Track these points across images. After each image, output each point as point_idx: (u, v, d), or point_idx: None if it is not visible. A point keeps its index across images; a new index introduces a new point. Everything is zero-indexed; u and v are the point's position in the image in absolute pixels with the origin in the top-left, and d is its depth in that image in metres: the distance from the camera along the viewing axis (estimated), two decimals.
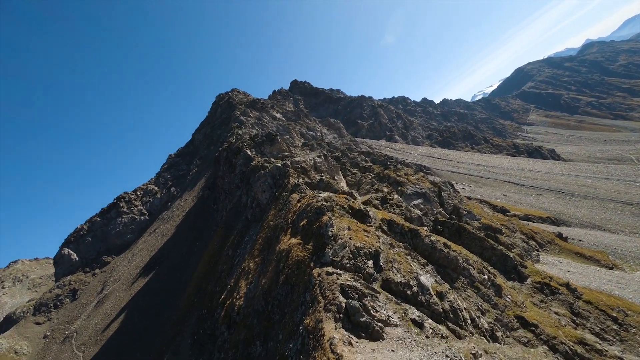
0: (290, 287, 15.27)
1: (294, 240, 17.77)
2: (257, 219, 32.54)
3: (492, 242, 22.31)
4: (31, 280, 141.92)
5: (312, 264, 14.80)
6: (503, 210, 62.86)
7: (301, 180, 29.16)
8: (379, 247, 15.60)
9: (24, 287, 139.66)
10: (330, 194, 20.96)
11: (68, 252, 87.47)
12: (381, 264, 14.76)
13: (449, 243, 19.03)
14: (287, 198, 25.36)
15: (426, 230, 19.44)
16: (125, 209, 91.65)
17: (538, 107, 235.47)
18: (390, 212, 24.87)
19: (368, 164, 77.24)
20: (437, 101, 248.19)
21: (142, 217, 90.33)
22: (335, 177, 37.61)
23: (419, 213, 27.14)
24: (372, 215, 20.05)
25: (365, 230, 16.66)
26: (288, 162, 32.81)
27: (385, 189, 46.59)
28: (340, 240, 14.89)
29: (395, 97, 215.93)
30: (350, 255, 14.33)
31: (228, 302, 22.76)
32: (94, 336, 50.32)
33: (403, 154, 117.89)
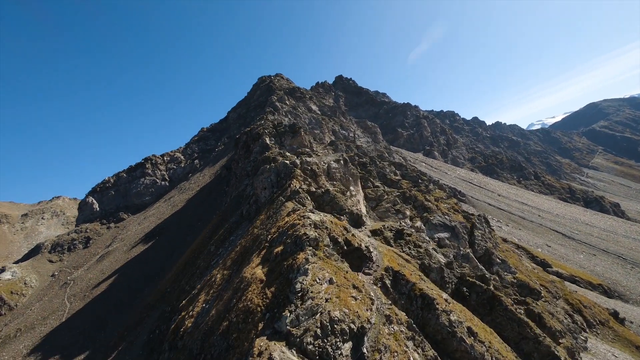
0: (226, 345, 10.70)
1: (258, 272, 13.16)
2: (251, 217, 28.54)
3: (536, 331, 15.95)
4: (66, 217, 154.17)
5: (261, 325, 10.07)
6: (544, 264, 53.41)
7: (305, 186, 24.43)
8: (368, 320, 10.45)
9: (59, 222, 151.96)
10: (326, 217, 15.98)
11: (92, 200, 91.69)
12: (364, 350, 9.67)
13: (475, 327, 13.22)
14: (281, 205, 20.82)
15: (446, 299, 13.76)
16: (149, 171, 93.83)
17: (607, 150, 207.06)
18: (404, 251, 19.29)
19: (396, 178, 70.46)
20: (489, 122, 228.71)
21: (163, 182, 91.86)
22: (351, 188, 32.33)
23: (442, 261, 21.18)
24: (374, 259, 14.78)
25: (355, 287, 11.53)
26: (297, 161, 28.21)
27: (407, 212, 40.39)
28: (310, 302, 9.95)
29: (444, 111, 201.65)
30: (319, 329, 9.35)
31: (184, 313, 18.91)
32: (84, 290, 50.63)
33: (439, 173, 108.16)
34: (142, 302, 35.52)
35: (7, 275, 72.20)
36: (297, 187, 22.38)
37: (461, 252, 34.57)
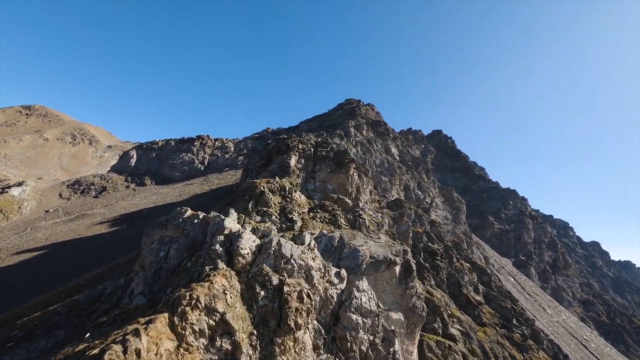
0: None
1: None
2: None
3: None
4: None
5: None
6: None
7: (220, 306, 4.08)
8: None
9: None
10: None
11: (133, 154, 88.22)
12: None
13: None
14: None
15: None
16: (195, 149, 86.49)
17: None
18: None
19: (476, 298, 43.52)
20: (614, 256, 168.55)
21: (199, 165, 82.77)
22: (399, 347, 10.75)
23: None
24: None
25: None
26: (248, 237, 8.64)
27: None
28: None
29: (555, 217, 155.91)
30: None
31: None
32: (10, 250, 39.23)
33: (533, 305, 73.00)
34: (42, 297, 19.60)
35: (15, 192, 68.91)
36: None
37: None
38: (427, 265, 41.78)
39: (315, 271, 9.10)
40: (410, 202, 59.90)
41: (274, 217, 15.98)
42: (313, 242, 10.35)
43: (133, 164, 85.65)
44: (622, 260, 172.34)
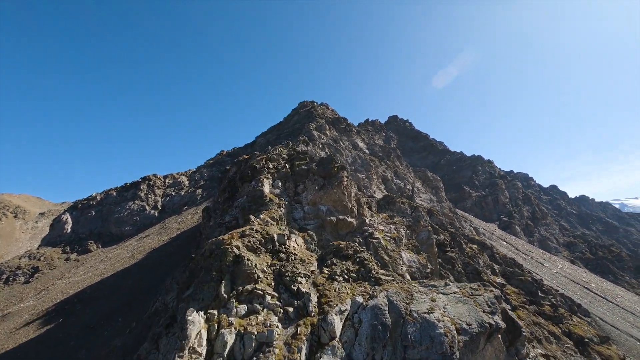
0: None
1: None
2: None
3: None
4: None
5: None
6: None
7: None
8: None
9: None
10: None
11: (67, 219, 73.41)
12: None
13: None
14: None
15: None
16: (142, 194, 74.33)
17: None
18: None
19: (497, 280, 39.94)
20: (571, 194, 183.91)
21: (152, 211, 70.99)
22: None
23: None
24: None
25: None
26: None
27: None
28: None
29: (515, 172, 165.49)
30: None
31: None
32: None
33: (530, 262, 73.42)
34: None
35: None
36: None
37: None
38: (440, 260, 37.40)
39: None
40: (397, 195, 55.72)
41: (267, 297, 9.27)
42: None
43: (69, 230, 70.96)
44: (577, 196, 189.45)
